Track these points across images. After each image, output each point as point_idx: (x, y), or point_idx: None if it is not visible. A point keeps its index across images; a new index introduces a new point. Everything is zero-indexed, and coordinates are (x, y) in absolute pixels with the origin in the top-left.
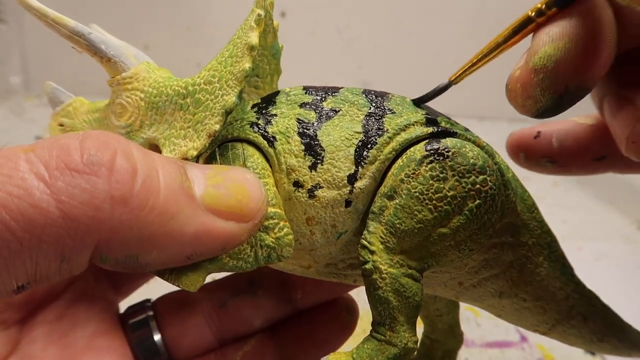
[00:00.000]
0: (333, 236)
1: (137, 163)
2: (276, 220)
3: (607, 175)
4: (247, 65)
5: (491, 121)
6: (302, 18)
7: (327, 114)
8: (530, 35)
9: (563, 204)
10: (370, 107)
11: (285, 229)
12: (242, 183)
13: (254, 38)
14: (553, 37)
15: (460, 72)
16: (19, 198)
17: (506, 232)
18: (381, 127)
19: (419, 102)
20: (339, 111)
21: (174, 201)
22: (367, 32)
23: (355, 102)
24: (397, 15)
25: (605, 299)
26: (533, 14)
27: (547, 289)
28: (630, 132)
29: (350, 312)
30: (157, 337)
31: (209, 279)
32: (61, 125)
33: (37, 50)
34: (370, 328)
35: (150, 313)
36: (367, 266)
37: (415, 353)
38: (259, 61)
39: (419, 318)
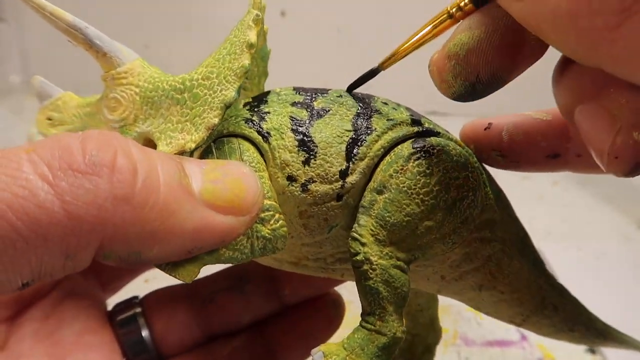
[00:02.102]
0: (324, 229)
1: (137, 162)
2: (272, 212)
3: (607, 175)
4: (246, 62)
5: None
6: (302, 18)
7: (318, 112)
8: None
9: (563, 203)
10: (359, 108)
11: (281, 221)
12: (239, 177)
13: (252, 36)
14: (471, 24)
15: (388, 59)
16: (24, 199)
17: (485, 227)
18: (370, 126)
19: (350, 88)
20: (329, 110)
21: (174, 198)
22: (367, 32)
23: (344, 103)
24: (397, 15)
25: (606, 298)
26: (452, 10)
27: (522, 281)
28: (611, 146)
29: (336, 307)
30: (145, 333)
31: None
32: (49, 119)
33: (37, 49)
34: (360, 319)
35: (138, 310)
36: (358, 257)
37: (398, 351)
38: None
39: None
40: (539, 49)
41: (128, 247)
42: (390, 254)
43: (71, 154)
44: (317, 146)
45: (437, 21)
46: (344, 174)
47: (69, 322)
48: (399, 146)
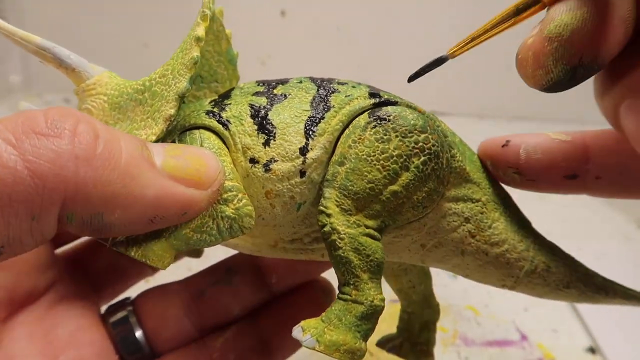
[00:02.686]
0: (293, 207)
1: (99, 130)
2: (234, 193)
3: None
4: (195, 54)
5: (491, 120)
6: (302, 17)
7: (278, 98)
8: (531, 18)
9: (563, 202)
10: (317, 89)
11: (244, 200)
12: (200, 155)
13: (199, 31)
14: (571, 6)
15: (460, 46)
16: None
17: (458, 190)
18: (328, 104)
19: (414, 77)
20: (288, 95)
21: (135, 164)
22: (367, 31)
23: (304, 87)
24: (397, 14)
25: None
26: None
27: (507, 241)
28: None
29: (325, 294)
30: (138, 332)
31: (187, 271)
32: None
33: None
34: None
35: (130, 308)
36: (325, 229)
37: (396, 331)
38: (217, 67)
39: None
40: (629, 30)
41: (90, 207)
42: (357, 222)
43: (34, 120)
44: (275, 127)
45: (521, 5)
46: (303, 151)
47: (62, 323)
48: (357, 118)
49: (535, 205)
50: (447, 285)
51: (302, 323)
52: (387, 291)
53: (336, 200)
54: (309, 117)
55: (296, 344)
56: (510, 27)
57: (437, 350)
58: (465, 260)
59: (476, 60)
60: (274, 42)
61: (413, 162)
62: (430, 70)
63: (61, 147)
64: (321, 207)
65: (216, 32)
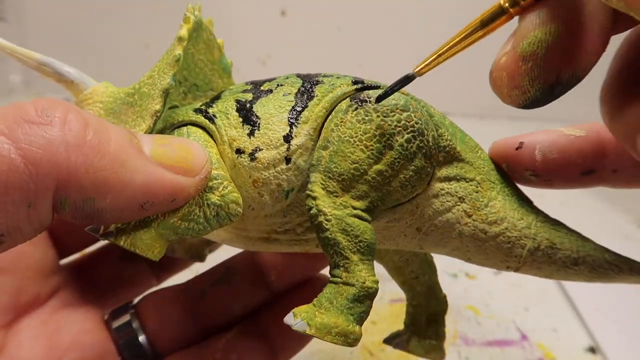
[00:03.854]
0: (281, 195)
1: (88, 119)
2: (220, 180)
3: None
4: (177, 52)
5: (491, 119)
6: (302, 16)
7: (264, 93)
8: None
9: (563, 202)
10: (302, 83)
11: (230, 187)
12: (186, 144)
13: (182, 31)
14: (543, 18)
15: (426, 63)
16: None
17: (450, 170)
18: (312, 94)
19: (382, 97)
20: (274, 90)
21: (124, 151)
22: (368, 30)
23: (289, 82)
24: (397, 13)
25: (606, 297)
26: (506, 4)
27: (506, 219)
28: None
29: None
30: (141, 336)
31: (191, 275)
32: None
33: (38, 48)
34: None
35: (132, 312)
36: (312, 212)
37: (403, 326)
38: (211, 75)
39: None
40: (607, 39)
41: (82, 193)
42: (344, 203)
43: (24, 110)
44: (259, 118)
45: (486, 17)
46: (287, 138)
47: (66, 327)
48: (340, 103)
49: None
50: (447, 285)
51: (294, 309)
52: (387, 290)
53: (321, 183)
54: (292, 107)
55: (299, 343)
56: (478, 40)
57: None
58: (464, 241)
59: (477, 59)
60: (274, 41)
61: (397, 140)
62: (399, 89)
63: (52, 134)
64: (308, 192)
65: (207, 41)
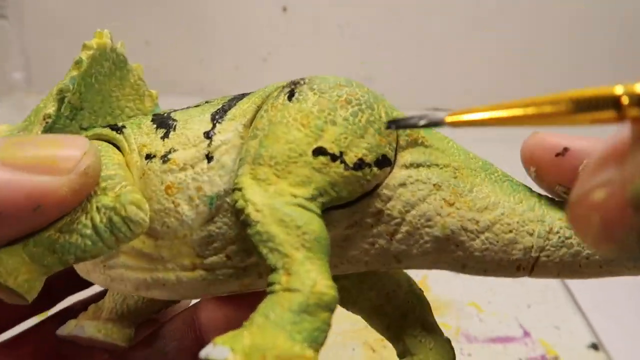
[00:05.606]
0: (203, 203)
1: None
2: (117, 181)
3: None
4: (79, 57)
5: None
6: (303, 13)
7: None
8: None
9: None
10: (234, 96)
11: (129, 187)
12: (55, 138)
13: (82, 54)
14: None
15: (460, 118)
16: None
17: (416, 155)
18: (241, 97)
19: (396, 124)
20: (198, 106)
21: None
22: (369, 28)
23: (221, 98)
24: (399, 11)
25: (608, 294)
26: (624, 97)
27: (500, 204)
28: None
29: None
30: None
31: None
32: None
33: (39, 46)
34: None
35: None
36: (237, 204)
37: None
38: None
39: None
40: None
41: None
42: (280, 191)
43: None
44: (176, 121)
45: (582, 101)
46: (209, 134)
47: None
48: (270, 95)
49: None
50: (449, 281)
51: (218, 339)
52: None
53: (250, 173)
54: (218, 109)
55: None
56: (543, 125)
57: None
58: (455, 240)
59: (478, 56)
60: (275, 38)
61: (340, 115)
62: (422, 125)
63: None
64: (234, 186)
65: (134, 86)
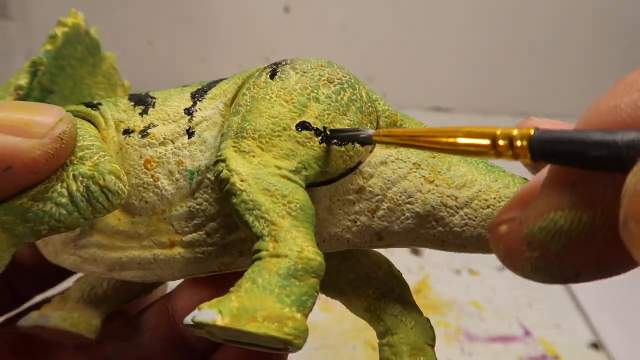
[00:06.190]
0: (183, 177)
1: None
2: (94, 150)
3: None
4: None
5: (495, 116)
6: (306, 13)
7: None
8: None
9: None
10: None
11: (107, 157)
12: (33, 105)
13: (42, 49)
14: (575, 202)
15: (385, 136)
16: None
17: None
18: (220, 81)
19: (334, 132)
20: (176, 88)
21: None
22: (371, 28)
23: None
24: (401, 10)
25: (609, 292)
26: (501, 140)
27: (477, 181)
28: None
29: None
30: None
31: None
32: None
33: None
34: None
35: None
36: (222, 174)
37: None
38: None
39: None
40: None
41: None
42: (264, 163)
43: None
44: (155, 98)
45: (470, 141)
46: (189, 110)
47: None
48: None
49: None
50: (450, 280)
51: (204, 305)
52: None
53: (233, 146)
54: (198, 89)
55: None
56: (445, 152)
57: (440, 346)
58: (435, 216)
59: (480, 55)
60: (277, 38)
61: (323, 93)
62: (352, 139)
63: None
64: (217, 158)
65: (107, 74)
